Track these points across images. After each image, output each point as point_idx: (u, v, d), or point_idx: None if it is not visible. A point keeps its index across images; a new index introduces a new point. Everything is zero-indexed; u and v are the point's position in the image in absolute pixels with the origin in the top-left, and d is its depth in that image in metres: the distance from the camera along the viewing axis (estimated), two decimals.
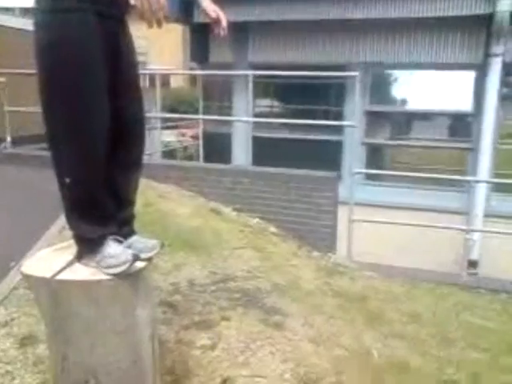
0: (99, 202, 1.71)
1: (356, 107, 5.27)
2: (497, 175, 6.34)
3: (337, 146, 6.97)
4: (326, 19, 6.45)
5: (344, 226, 4.89)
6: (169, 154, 10.35)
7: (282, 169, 5.30)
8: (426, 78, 6.94)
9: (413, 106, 7.17)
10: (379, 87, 7.21)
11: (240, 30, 7.03)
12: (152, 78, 8.33)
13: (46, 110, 1.65)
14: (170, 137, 11.64)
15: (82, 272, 1.70)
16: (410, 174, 6.47)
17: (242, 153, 7.28)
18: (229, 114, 7.53)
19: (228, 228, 4.31)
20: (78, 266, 1.74)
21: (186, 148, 12.07)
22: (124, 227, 1.83)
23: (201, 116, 8.07)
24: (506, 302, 3.72)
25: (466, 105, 6.65)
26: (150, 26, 1.51)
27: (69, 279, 1.65)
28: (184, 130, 13.04)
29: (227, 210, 4.98)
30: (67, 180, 1.66)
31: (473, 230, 6.00)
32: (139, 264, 1.72)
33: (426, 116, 7.39)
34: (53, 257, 1.82)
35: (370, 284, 3.62)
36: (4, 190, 4.82)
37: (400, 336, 2.78)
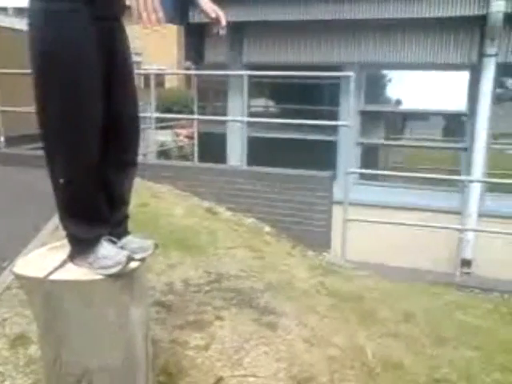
0: (93, 203, 1.71)
1: (350, 107, 5.29)
2: (490, 175, 6.38)
3: (331, 146, 6.98)
4: (320, 19, 6.46)
5: (338, 226, 4.90)
6: (163, 153, 10.35)
7: (277, 169, 5.31)
8: (420, 78, 6.97)
9: (407, 105, 7.20)
10: (374, 87, 7.24)
11: (235, 31, 7.04)
12: (147, 78, 8.32)
13: (40, 110, 1.65)
14: (164, 137, 11.63)
15: (76, 272, 1.69)
16: (404, 174, 6.51)
17: (236, 153, 7.27)
18: (223, 114, 7.53)
19: (222, 228, 4.32)
20: (71, 266, 1.73)
21: (180, 148, 12.07)
22: (118, 227, 1.83)
23: (195, 116, 8.07)
24: (498, 301, 3.75)
25: (459, 105, 6.68)
26: (145, 26, 1.51)
27: (62, 279, 1.65)
28: (179, 130, 13.04)
29: (222, 210, 4.98)
30: (61, 180, 1.66)
31: (467, 230, 6.04)
32: (133, 264, 1.72)
33: (420, 116, 7.43)
34: (46, 257, 1.81)
35: (364, 283, 3.63)
36: None
37: (394, 335, 2.79)
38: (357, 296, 3.28)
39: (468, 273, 6.01)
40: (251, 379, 2.26)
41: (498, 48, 6.07)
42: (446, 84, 6.74)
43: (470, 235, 6.14)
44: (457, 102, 6.71)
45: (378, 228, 5.40)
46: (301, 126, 6.48)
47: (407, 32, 6.53)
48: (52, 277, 1.65)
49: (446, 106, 6.79)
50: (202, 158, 7.17)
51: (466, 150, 6.54)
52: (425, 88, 6.81)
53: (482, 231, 5.87)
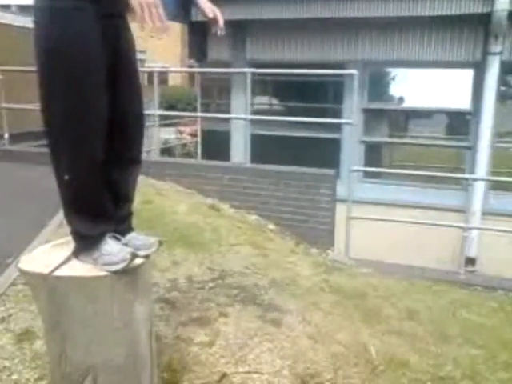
0: (98, 199, 1.71)
1: (354, 105, 5.28)
2: (494, 173, 6.36)
3: (335, 144, 6.97)
4: (324, 17, 6.45)
5: (342, 224, 4.90)
6: (167, 151, 10.35)
7: (281, 166, 5.30)
8: (423, 76, 6.95)
9: (411, 103, 7.17)
10: (377, 85, 7.22)
11: (238, 28, 7.03)
12: (150, 75, 8.32)
13: (45, 107, 1.65)
14: (168, 134, 11.64)
15: (80, 268, 1.70)
16: (408, 172, 6.49)
17: (239, 150, 7.27)
18: (227, 112, 7.53)
19: (226, 225, 4.32)
20: (75, 262, 1.74)
21: (184, 145, 12.08)
22: (122, 224, 1.83)
23: (199, 114, 8.07)
24: (502, 299, 3.74)
25: (464, 103, 6.66)
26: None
27: (66, 275, 1.65)
28: (182, 128, 13.04)
29: (225, 207, 4.99)
30: (66, 177, 1.66)
31: (471, 228, 6.02)
32: (137, 261, 1.72)
33: (424, 114, 7.40)
34: (50, 253, 1.81)
35: (367, 281, 3.62)
36: (2, 187, 4.82)
37: (397, 333, 2.79)
38: (360, 293, 3.28)
39: (472, 271, 5.99)
40: (255, 376, 2.27)
41: (502, 46, 6.05)
42: (450, 82, 6.72)
43: (475, 233, 6.13)
44: (461, 100, 6.69)
45: (382, 226, 5.40)
46: (304, 123, 6.47)
47: (411, 30, 6.51)
48: (57, 273, 1.65)
49: (450, 104, 6.77)
50: (205, 156, 7.19)
51: (470, 148, 6.52)
52: (428, 86, 6.79)
53: (487, 229, 5.85)
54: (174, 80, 20.64)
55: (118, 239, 1.76)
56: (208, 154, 7.21)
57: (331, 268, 3.88)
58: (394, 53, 6.65)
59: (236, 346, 2.43)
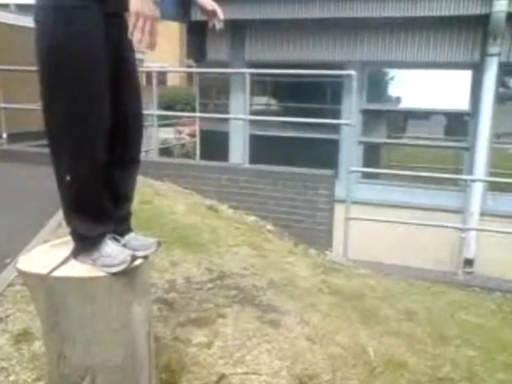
0: (98, 200, 1.71)
1: (353, 106, 5.28)
2: (493, 174, 6.36)
3: (333, 145, 6.97)
4: (322, 18, 6.45)
5: (340, 224, 4.90)
6: (166, 151, 10.34)
7: (279, 167, 5.30)
8: (422, 77, 6.95)
9: (409, 104, 7.18)
10: (376, 86, 7.22)
11: (237, 28, 7.03)
12: (149, 75, 8.32)
13: (46, 106, 1.64)
14: (167, 134, 11.63)
15: (79, 269, 1.69)
16: (406, 173, 6.49)
17: (238, 151, 7.26)
18: (226, 112, 7.52)
19: (224, 225, 4.31)
20: (74, 262, 1.73)
21: (182, 145, 12.07)
22: (121, 224, 1.83)
23: (198, 114, 8.06)
24: (500, 300, 3.74)
25: (462, 104, 6.66)
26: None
27: (65, 276, 1.65)
28: (181, 128, 13.03)
29: (224, 208, 4.98)
30: (67, 177, 1.65)
31: (469, 229, 6.03)
32: (135, 262, 1.72)
33: (422, 115, 7.40)
34: (49, 253, 1.81)
35: (366, 282, 3.63)
36: (0, 187, 4.80)
37: (396, 334, 2.79)
38: (359, 294, 3.28)
39: (470, 272, 6.00)
40: (253, 377, 2.26)
41: (500, 47, 6.06)
42: (449, 83, 6.72)
43: (473, 234, 6.14)
44: (459, 101, 6.69)
45: (380, 227, 5.40)
46: (303, 124, 6.47)
47: (410, 30, 6.52)
48: (55, 273, 1.65)
49: (449, 105, 6.77)
50: (204, 156, 7.17)
51: (468, 149, 6.53)
52: (427, 87, 6.80)
53: (485, 230, 5.86)
54: (173, 80, 20.64)
55: (117, 240, 1.76)
56: (207, 154, 7.19)
57: (329, 269, 3.88)
58: (392, 53, 6.66)
59: (234, 346, 2.42)
